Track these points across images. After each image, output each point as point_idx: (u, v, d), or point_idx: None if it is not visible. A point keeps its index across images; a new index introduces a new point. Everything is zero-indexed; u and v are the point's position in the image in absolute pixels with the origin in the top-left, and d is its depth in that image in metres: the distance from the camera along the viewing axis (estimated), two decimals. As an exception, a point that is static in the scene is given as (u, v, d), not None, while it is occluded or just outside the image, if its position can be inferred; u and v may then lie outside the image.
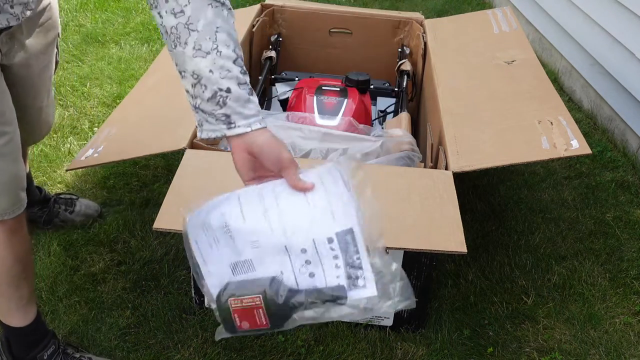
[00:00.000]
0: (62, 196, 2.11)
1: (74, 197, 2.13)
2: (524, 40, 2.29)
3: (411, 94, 2.43)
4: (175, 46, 1.00)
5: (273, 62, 2.44)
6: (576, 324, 1.83)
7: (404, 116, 2.01)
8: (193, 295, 1.79)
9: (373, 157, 1.80)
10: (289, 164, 0.97)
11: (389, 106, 2.37)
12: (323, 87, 2.13)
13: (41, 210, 2.05)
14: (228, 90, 0.98)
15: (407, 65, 2.38)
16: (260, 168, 1.01)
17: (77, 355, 1.61)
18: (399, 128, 1.92)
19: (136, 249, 2.01)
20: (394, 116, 2.34)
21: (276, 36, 2.61)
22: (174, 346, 1.70)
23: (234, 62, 0.99)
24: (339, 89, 2.13)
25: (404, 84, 2.31)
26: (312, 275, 0.94)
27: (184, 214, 0.99)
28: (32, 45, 1.48)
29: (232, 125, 0.99)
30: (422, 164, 1.81)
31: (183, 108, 1.83)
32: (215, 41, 0.98)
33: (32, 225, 1.96)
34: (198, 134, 1.04)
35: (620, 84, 2.73)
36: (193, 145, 1.71)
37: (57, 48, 1.63)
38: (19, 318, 1.52)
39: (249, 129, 0.99)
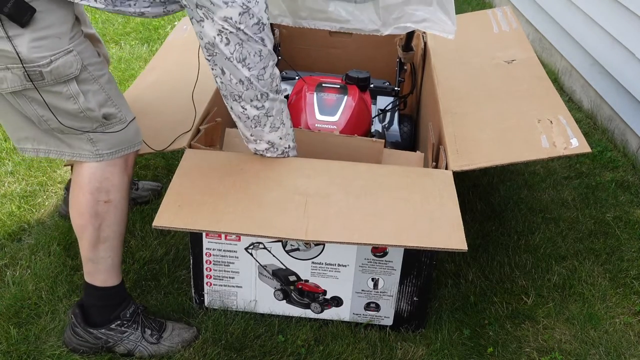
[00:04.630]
0: None
1: (133, 179, 2.25)
2: (524, 40, 2.29)
3: (411, 86, 2.45)
4: (256, 126, 1.55)
5: (276, 42, 2.48)
6: (576, 324, 1.83)
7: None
8: (193, 295, 1.79)
9: None
10: None
11: (388, 104, 2.38)
12: (323, 85, 2.13)
13: None
14: (289, 147, 1.65)
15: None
16: None
17: (153, 317, 1.70)
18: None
19: (136, 248, 2.01)
20: (393, 112, 2.35)
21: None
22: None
23: (290, 126, 1.62)
24: (339, 86, 2.13)
25: (405, 68, 2.36)
26: None
27: None
28: None
29: None
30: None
31: (183, 107, 1.84)
32: (282, 121, 1.58)
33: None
34: None
35: (620, 84, 2.73)
36: (192, 145, 1.71)
37: None
38: (116, 275, 1.62)
39: None
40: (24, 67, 1.31)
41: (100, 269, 1.58)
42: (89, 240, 1.54)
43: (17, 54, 1.29)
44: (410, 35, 2.32)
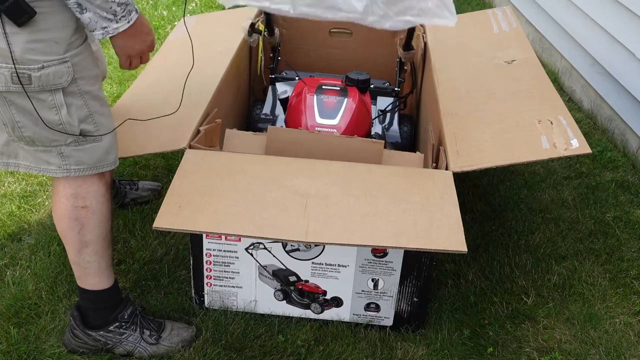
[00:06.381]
0: (122, 180, 2.24)
1: (133, 179, 2.28)
2: (524, 40, 2.29)
3: (411, 86, 2.45)
4: None
5: (276, 42, 2.47)
6: (576, 324, 1.83)
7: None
8: (193, 295, 1.79)
9: None
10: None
11: (388, 105, 2.38)
12: (323, 87, 2.13)
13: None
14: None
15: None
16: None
17: (151, 317, 1.70)
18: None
19: (136, 248, 2.01)
20: (393, 113, 2.35)
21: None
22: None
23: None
24: (339, 88, 2.13)
25: (405, 68, 2.36)
26: None
27: None
28: None
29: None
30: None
31: (183, 107, 1.84)
32: None
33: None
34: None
35: (620, 84, 2.73)
36: (192, 145, 1.71)
37: None
38: (106, 278, 1.61)
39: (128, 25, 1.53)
40: (14, 67, 1.28)
41: (88, 272, 1.57)
42: (72, 245, 1.54)
43: (11, 52, 1.26)
44: (410, 34, 2.31)
